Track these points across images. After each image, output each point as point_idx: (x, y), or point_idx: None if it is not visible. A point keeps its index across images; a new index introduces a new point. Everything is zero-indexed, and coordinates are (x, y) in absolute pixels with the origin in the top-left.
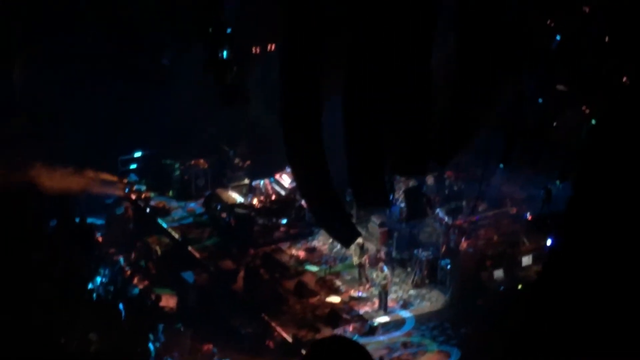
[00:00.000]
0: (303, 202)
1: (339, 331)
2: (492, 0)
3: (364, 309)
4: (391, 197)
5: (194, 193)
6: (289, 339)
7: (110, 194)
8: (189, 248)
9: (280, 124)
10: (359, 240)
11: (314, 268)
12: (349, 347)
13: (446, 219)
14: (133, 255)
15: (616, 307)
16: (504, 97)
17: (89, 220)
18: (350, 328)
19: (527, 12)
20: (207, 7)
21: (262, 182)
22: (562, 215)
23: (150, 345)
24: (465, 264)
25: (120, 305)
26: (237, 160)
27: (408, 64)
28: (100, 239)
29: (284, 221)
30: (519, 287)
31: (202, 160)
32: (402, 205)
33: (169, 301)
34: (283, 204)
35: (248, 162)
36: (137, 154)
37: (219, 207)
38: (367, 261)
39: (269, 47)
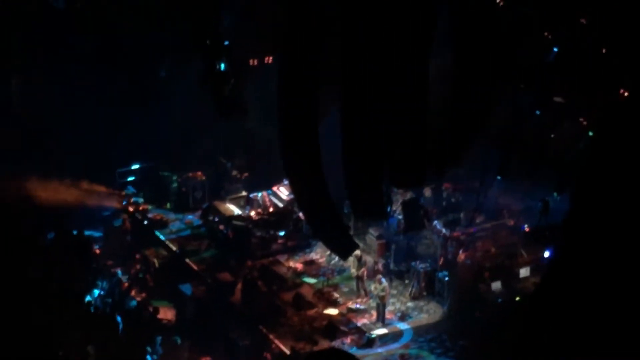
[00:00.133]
0: (301, 214)
1: (336, 343)
2: (488, 14)
3: (361, 321)
4: (389, 209)
5: (192, 205)
6: (287, 351)
7: (108, 206)
8: (187, 260)
9: (278, 136)
10: (357, 252)
11: (311, 280)
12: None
13: (444, 230)
14: (134, 269)
15: (614, 318)
16: (501, 109)
17: (87, 232)
18: (348, 340)
19: (524, 24)
20: (205, 19)
21: (259, 194)
22: (559, 227)
23: (148, 358)
24: (462, 275)
25: (118, 318)
26: (234, 173)
27: (406, 71)
28: (98, 251)
29: (282, 233)
30: (517, 299)
31: (199, 173)
32: (400, 217)
33: (166, 313)
34: (281, 216)
35: (246, 174)
36: (135, 167)
37: (216, 219)
38: (365, 273)
39: (266, 60)
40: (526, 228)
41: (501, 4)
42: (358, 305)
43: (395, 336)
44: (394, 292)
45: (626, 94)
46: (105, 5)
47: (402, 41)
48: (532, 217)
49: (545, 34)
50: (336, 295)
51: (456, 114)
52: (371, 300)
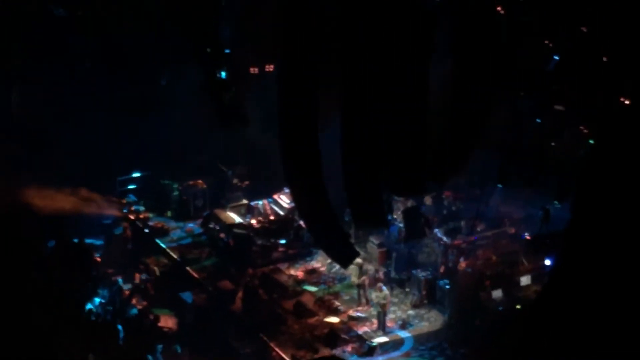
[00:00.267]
0: (301, 223)
1: (337, 351)
2: (489, 22)
3: (362, 329)
4: (389, 217)
5: (193, 213)
6: None
7: (109, 215)
8: (188, 268)
9: (279, 144)
10: (358, 260)
11: (312, 288)
12: None
13: (445, 239)
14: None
15: (615, 326)
16: (502, 117)
17: (88, 240)
18: (349, 348)
19: (525, 32)
20: (205, 27)
21: (260, 202)
22: (560, 235)
23: None
24: (463, 284)
25: (119, 326)
26: (235, 181)
27: (405, 74)
28: (98, 260)
29: (283, 241)
30: (518, 307)
31: (200, 181)
32: (401, 225)
33: (167, 321)
34: (281, 225)
35: (246, 183)
36: (136, 175)
37: (217, 227)
38: (366, 282)
39: (267, 68)
40: (527, 236)
41: (502, 12)
42: (359, 314)
43: (396, 344)
44: (395, 300)
45: (627, 102)
46: (105, 13)
47: (401, 44)
48: (533, 225)
49: (546, 41)
50: (337, 303)
51: (456, 120)
52: (372, 309)
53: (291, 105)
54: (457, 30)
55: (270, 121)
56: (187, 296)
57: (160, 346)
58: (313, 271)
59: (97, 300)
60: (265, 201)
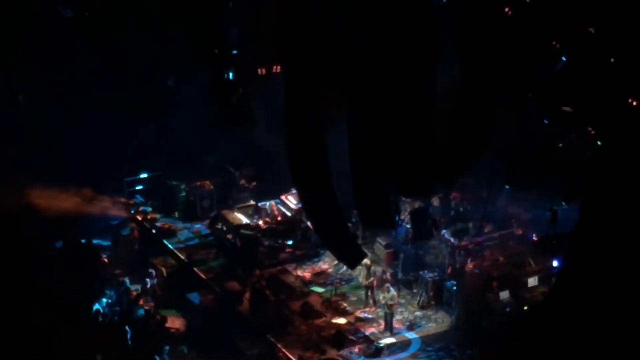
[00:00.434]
0: (309, 224)
1: (344, 352)
2: (494, 23)
3: (369, 330)
4: (397, 218)
5: (200, 214)
6: None
7: (116, 215)
8: (195, 269)
9: (286, 145)
10: (367, 261)
11: (319, 289)
12: None
13: (452, 240)
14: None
15: (622, 328)
16: (509, 119)
17: (95, 241)
18: (356, 349)
19: (532, 33)
20: (212, 28)
21: (267, 203)
22: (568, 237)
23: None
24: (471, 285)
25: (126, 327)
26: (242, 182)
27: (412, 75)
28: (105, 260)
29: (290, 242)
30: (525, 308)
31: (207, 182)
32: (408, 226)
33: (174, 322)
34: (289, 225)
35: (254, 184)
36: (143, 175)
37: (224, 228)
38: (374, 283)
39: (274, 69)
40: (534, 237)
41: (509, 13)
42: (366, 315)
43: (403, 345)
44: (402, 301)
45: (634, 103)
46: (112, 14)
47: (407, 45)
48: (540, 226)
49: (553, 43)
50: (344, 304)
51: (463, 122)
52: (379, 310)
53: (297, 106)
54: (462, 31)
55: (277, 122)
56: (195, 297)
57: (167, 347)
58: (320, 271)
59: (104, 300)
60: (272, 202)
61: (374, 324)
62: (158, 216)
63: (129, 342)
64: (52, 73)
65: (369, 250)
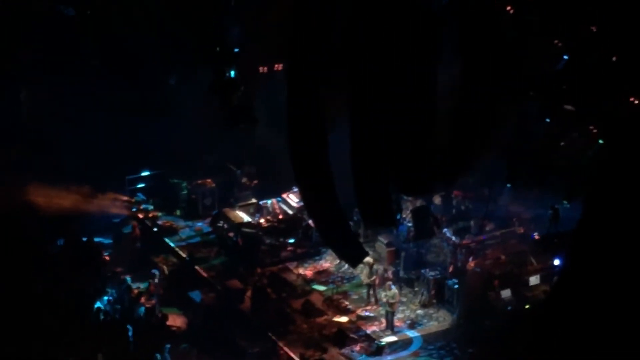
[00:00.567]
0: (310, 222)
1: (346, 351)
2: (495, 22)
3: (371, 329)
4: (398, 216)
5: (201, 212)
6: (296, 359)
7: (118, 213)
8: (196, 267)
9: (288, 143)
10: (369, 259)
11: (321, 287)
12: None
13: (453, 238)
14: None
15: (624, 326)
16: (511, 117)
17: (96, 239)
18: (358, 347)
19: (534, 32)
20: (214, 27)
21: (269, 201)
22: (569, 235)
23: None
24: (472, 283)
25: (127, 325)
26: (244, 180)
27: (413, 74)
28: (107, 258)
29: (292, 240)
30: (527, 307)
31: (209, 180)
32: (410, 224)
33: (176, 320)
34: (290, 224)
35: (255, 182)
36: (145, 174)
37: (226, 226)
38: (376, 281)
39: (276, 67)
40: (536, 236)
41: (510, 12)
42: (367, 313)
43: (404, 344)
44: (404, 299)
45: (636, 102)
46: (113, 12)
47: (409, 45)
48: (542, 224)
49: (555, 41)
50: (346, 302)
51: (464, 120)
52: (380, 308)
53: (299, 104)
54: (463, 31)
55: (279, 120)
56: (196, 295)
57: (168, 345)
58: (322, 270)
59: (106, 299)
60: (274, 200)
61: (376, 323)
62: (160, 214)
63: (130, 340)
64: (53, 72)
65: (371, 248)
